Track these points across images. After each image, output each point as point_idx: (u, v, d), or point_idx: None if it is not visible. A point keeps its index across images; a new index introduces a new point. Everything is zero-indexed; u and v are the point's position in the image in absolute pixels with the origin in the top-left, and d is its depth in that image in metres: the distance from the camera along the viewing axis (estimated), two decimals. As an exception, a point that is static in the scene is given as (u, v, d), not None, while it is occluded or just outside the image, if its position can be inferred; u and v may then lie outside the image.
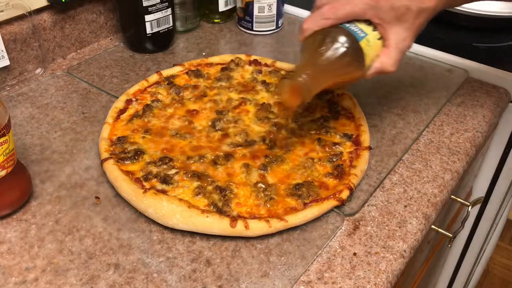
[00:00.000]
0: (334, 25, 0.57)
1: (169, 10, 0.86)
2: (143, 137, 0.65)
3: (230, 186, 0.58)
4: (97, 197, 0.58)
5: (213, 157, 0.62)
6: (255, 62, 0.81)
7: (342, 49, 0.55)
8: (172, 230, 0.54)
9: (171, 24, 0.88)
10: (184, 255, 0.52)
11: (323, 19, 0.57)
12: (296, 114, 0.70)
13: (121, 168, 0.59)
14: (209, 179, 0.58)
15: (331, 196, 0.57)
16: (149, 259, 0.51)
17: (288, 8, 1.03)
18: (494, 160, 0.93)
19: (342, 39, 0.55)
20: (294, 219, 0.54)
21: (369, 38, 0.57)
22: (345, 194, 0.57)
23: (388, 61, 0.58)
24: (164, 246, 0.53)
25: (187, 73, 0.79)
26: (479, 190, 0.99)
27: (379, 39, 0.58)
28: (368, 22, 0.58)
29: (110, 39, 0.93)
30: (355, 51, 0.56)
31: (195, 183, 0.58)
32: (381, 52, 0.58)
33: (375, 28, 0.58)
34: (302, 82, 0.54)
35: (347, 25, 0.57)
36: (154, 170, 0.59)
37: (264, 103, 0.72)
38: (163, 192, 0.56)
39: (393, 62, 0.58)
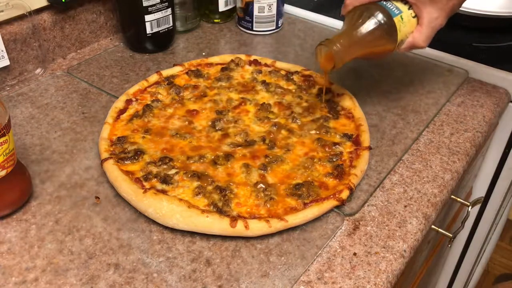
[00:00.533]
0: (373, 2, 0.63)
1: (169, 10, 0.86)
2: (143, 137, 0.65)
3: (230, 186, 0.58)
4: (97, 197, 0.58)
5: (213, 157, 0.62)
6: (255, 62, 0.81)
7: (376, 23, 0.62)
8: (172, 230, 0.54)
9: (171, 24, 0.88)
10: (184, 255, 0.52)
11: None
12: (296, 114, 0.70)
13: (121, 168, 0.59)
14: (209, 179, 0.58)
15: (331, 196, 0.57)
16: (149, 259, 0.51)
17: (288, 8, 1.03)
18: (494, 160, 0.93)
19: (377, 14, 0.62)
20: (294, 219, 0.54)
21: (403, 15, 0.63)
22: (345, 194, 0.57)
23: (419, 37, 0.64)
24: (164, 246, 0.53)
25: (187, 73, 0.79)
26: (479, 190, 0.99)
27: (414, 17, 0.64)
28: (405, 1, 0.63)
29: (110, 39, 0.93)
30: (389, 26, 0.62)
31: (195, 183, 0.58)
32: (415, 29, 0.64)
33: (410, 7, 0.63)
34: (335, 50, 0.61)
35: (384, 2, 0.63)
36: (154, 170, 0.59)
37: (264, 103, 0.72)
38: (163, 192, 0.56)
39: (424, 38, 0.64)
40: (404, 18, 0.63)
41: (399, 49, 0.65)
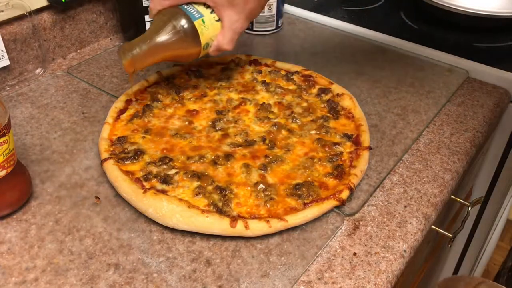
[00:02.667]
0: (175, 6, 0.64)
1: (169, 10, 0.86)
2: (143, 137, 0.65)
3: (230, 186, 0.58)
4: (97, 197, 0.58)
5: (213, 157, 0.62)
6: (255, 62, 0.81)
7: (175, 27, 0.63)
8: (172, 230, 0.54)
9: (171, 24, 0.88)
10: (184, 255, 0.52)
11: (164, 0, 0.64)
12: (296, 114, 0.70)
13: (121, 168, 0.59)
14: (209, 179, 0.58)
15: (331, 196, 0.57)
16: (149, 259, 0.51)
17: (288, 8, 1.03)
18: (494, 160, 0.93)
19: (177, 18, 0.63)
20: (294, 219, 0.54)
21: (204, 19, 0.64)
22: (345, 194, 0.57)
23: (223, 40, 0.65)
24: (164, 246, 0.53)
25: (187, 73, 0.79)
26: (479, 190, 0.99)
27: (217, 20, 0.65)
28: (207, 5, 0.65)
29: (110, 39, 0.93)
30: (189, 29, 0.63)
31: (195, 183, 0.58)
32: (219, 32, 0.65)
33: (213, 11, 0.65)
34: (134, 55, 0.62)
35: (185, 6, 0.64)
36: (154, 170, 0.59)
37: (264, 103, 0.72)
38: (163, 192, 0.56)
39: (228, 41, 0.65)
40: (206, 22, 0.64)
41: (207, 51, 0.67)
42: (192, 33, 0.63)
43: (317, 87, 0.76)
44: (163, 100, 0.73)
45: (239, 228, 0.52)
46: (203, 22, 0.63)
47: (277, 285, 0.49)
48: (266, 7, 0.92)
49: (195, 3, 0.65)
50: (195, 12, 0.64)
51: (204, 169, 0.60)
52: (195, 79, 0.78)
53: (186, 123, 0.68)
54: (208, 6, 0.64)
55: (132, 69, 0.63)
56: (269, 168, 0.61)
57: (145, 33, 0.64)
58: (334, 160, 0.62)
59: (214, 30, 0.65)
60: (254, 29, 0.95)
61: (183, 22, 0.63)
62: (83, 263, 0.51)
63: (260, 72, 0.79)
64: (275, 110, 0.71)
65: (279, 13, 0.95)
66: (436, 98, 0.78)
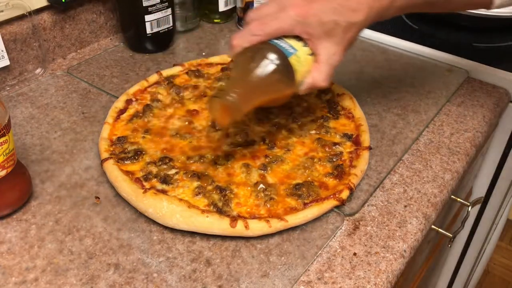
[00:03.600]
0: (264, 42, 0.56)
1: (169, 10, 0.86)
2: (143, 137, 0.65)
3: (230, 186, 0.58)
4: (97, 197, 0.58)
5: (213, 157, 0.62)
6: (255, 62, 0.81)
7: (272, 66, 0.54)
8: (172, 230, 0.54)
9: (171, 24, 0.88)
10: (184, 255, 0.52)
11: (252, 36, 0.56)
12: (296, 114, 0.70)
13: (121, 168, 0.59)
14: (209, 179, 0.58)
15: (331, 196, 0.57)
16: (149, 259, 0.51)
17: (288, 8, 1.03)
18: (494, 160, 0.93)
19: (271, 55, 0.55)
20: (294, 219, 0.54)
21: (299, 54, 0.56)
22: (345, 194, 0.57)
23: (319, 76, 0.58)
24: (164, 246, 0.53)
25: (187, 73, 0.79)
26: (479, 190, 0.99)
27: (310, 54, 0.57)
28: (299, 38, 0.57)
29: (110, 39, 0.93)
30: (285, 67, 0.55)
31: (195, 183, 0.58)
32: (313, 67, 0.58)
33: (305, 44, 0.57)
34: (231, 101, 0.53)
35: (277, 41, 0.56)
36: (154, 170, 0.59)
37: (264, 103, 0.72)
38: (163, 192, 0.56)
39: (324, 77, 0.58)
40: (301, 57, 0.56)
41: (298, 90, 0.59)
42: (288, 71, 0.56)
43: (317, 87, 0.76)
44: (163, 100, 0.73)
45: (239, 228, 0.52)
46: (298, 57, 0.56)
47: (277, 285, 0.49)
48: (266, 7, 0.92)
49: (286, 36, 0.57)
50: (289, 47, 0.56)
51: (204, 169, 0.60)
52: (195, 79, 0.78)
53: (186, 123, 0.68)
54: (300, 39, 0.57)
55: (228, 118, 0.55)
56: (269, 168, 0.61)
57: (233, 77, 0.57)
58: (334, 160, 0.62)
59: (307, 66, 0.57)
60: (254, 29, 0.95)
61: (280, 59, 0.55)
62: (83, 263, 0.51)
63: (260, 72, 0.79)
64: (275, 110, 0.71)
65: (279, 13, 0.94)
66: (436, 98, 0.78)
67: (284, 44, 0.56)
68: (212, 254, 0.52)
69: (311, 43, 0.57)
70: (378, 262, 0.52)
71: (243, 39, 0.56)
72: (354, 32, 0.57)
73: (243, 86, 0.54)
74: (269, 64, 0.54)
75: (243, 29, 0.58)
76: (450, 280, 1.20)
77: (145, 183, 0.58)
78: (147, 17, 0.83)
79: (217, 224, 0.52)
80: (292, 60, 0.56)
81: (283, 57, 0.55)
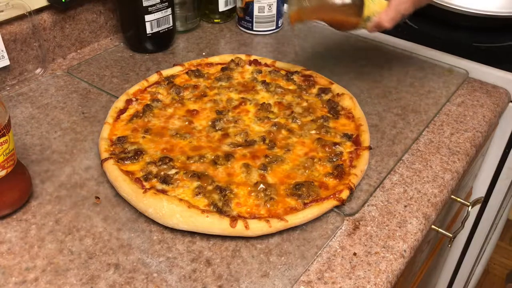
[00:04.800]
0: None
1: (169, 10, 0.86)
2: (143, 137, 0.65)
3: (230, 186, 0.58)
4: (97, 197, 0.58)
5: (213, 157, 0.62)
6: (255, 62, 0.81)
7: None
8: (172, 230, 0.54)
9: (171, 24, 0.88)
10: (184, 255, 0.52)
11: None
12: (296, 114, 0.70)
13: (121, 168, 0.59)
14: (209, 179, 0.58)
15: (331, 196, 0.57)
16: (149, 259, 0.51)
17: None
18: (494, 160, 0.93)
19: None
20: (294, 219, 0.54)
21: None
22: (345, 194, 0.57)
23: (385, 18, 0.67)
24: (164, 246, 0.53)
25: (187, 73, 0.79)
26: (479, 190, 0.99)
27: None
28: None
29: (110, 39, 0.93)
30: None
31: (195, 183, 0.58)
32: (384, 10, 0.67)
33: None
34: (304, 7, 0.66)
35: None
36: (154, 170, 0.59)
37: (264, 103, 0.72)
38: (163, 192, 0.56)
39: (389, 19, 0.67)
40: None
41: (365, 25, 0.69)
42: (359, 3, 0.66)
43: (317, 87, 0.76)
44: (163, 100, 0.73)
45: (239, 228, 0.52)
46: None
47: (277, 285, 0.49)
48: (266, 7, 0.92)
49: None
50: None
51: (204, 169, 0.60)
52: (195, 79, 0.78)
53: (186, 123, 0.68)
54: None
55: (297, 18, 0.68)
56: (269, 168, 0.61)
57: None
58: (334, 160, 0.62)
59: (379, 7, 0.67)
60: (254, 29, 0.95)
61: None
62: (83, 263, 0.51)
63: (260, 72, 0.79)
64: (275, 110, 0.71)
65: (279, 13, 0.95)
66: (436, 98, 0.78)
67: None
68: (212, 254, 0.52)
69: None
70: (378, 262, 0.52)
71: None
72: None
73: (318, 0, 0.67)
74: None
75: None
76: (450, 280, 1.20)
77: (145, 183, 0.58)
78: (147, 17, 0.83)
79: (217, 224, 0.52)
80: None
81: None
